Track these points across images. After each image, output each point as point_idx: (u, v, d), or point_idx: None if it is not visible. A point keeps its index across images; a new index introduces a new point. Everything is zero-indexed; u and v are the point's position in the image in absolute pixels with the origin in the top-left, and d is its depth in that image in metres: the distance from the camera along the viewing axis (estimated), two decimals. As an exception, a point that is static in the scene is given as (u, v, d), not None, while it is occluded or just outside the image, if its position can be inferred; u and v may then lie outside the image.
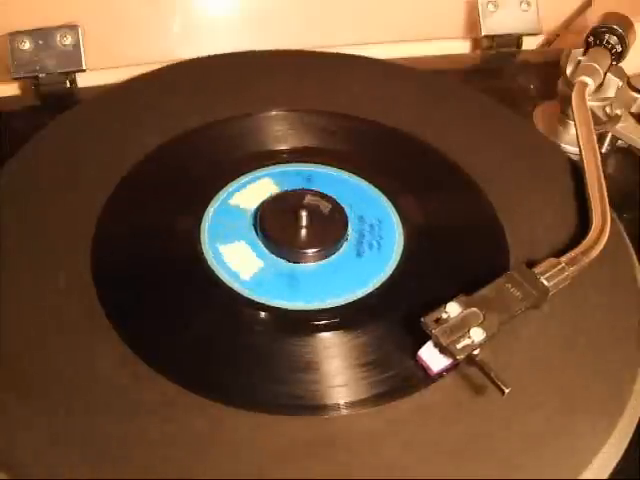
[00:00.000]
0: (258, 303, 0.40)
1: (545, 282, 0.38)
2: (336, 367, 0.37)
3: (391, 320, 0.39)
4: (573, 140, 0.50)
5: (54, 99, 0.55)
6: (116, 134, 0.49)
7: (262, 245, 0.43)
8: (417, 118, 0.52)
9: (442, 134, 0.50)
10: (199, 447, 0.33)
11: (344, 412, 0.35)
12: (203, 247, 0.42)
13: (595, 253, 0.40)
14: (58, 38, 0.55)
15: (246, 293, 0.40)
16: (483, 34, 0.64)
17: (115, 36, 0.60)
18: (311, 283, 0.41)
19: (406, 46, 0.63)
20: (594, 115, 0.50)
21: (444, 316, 0.35)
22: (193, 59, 0.56)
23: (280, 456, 0.34)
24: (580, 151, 0.46)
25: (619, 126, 0.52)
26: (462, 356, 0.34)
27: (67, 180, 0.45)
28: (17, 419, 0.34)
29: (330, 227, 0.43)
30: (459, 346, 0.34)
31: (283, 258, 0.42)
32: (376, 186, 0.47)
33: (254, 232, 0.43)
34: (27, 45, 0.54)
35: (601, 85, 0.52)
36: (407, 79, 0.56)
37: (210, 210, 0.44)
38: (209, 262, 0.41)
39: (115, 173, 0.46)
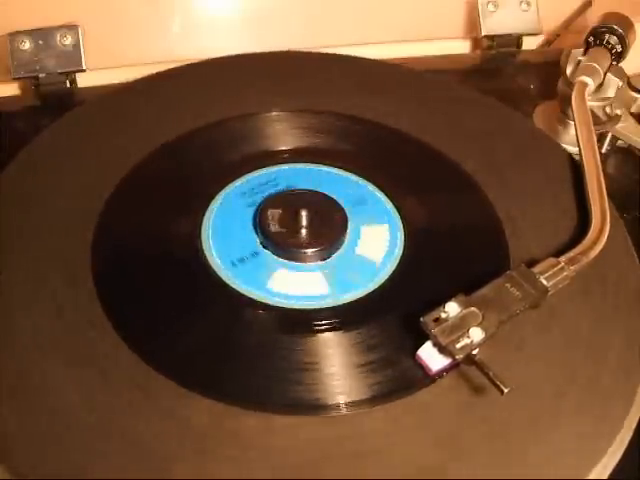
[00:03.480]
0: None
1: (544, 282, 0.38)
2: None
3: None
4: (573, 140, 0.50)
5: (54, 99, 0.55)
6: (116, 134, 0.49)
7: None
8: (417, 118, 0.52)
9: (442, 134, 0.50)
10: (197, 447, 0.33)
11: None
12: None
13: (594, 253, 0.40)
14: (58, 38, 0.55)
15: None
16: (483, 34, 0.64)
17: (115, 36, 0.60)
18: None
19: (406, 46, 0.63)
20: (594, 115, 0.50)
21: (443, 316, 0.35)
22: (194, 63, 0.56)
23: (280, 456, 0.34)
24: (580, 151, 0.46)
25: (619, 126, 0.52)
26: (461, 356, 0.34)
27: (67, 180, 0.45)
28: (17, 420, 0.34)
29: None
30: (458, 346, 0.34)
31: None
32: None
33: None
34: (27, 45, 0.55)
35: (601, 85, 0.52)
36: (407, 80, 0.56)
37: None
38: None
39: (115, 173, 0.46)
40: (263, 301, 0.40)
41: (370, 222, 0.45)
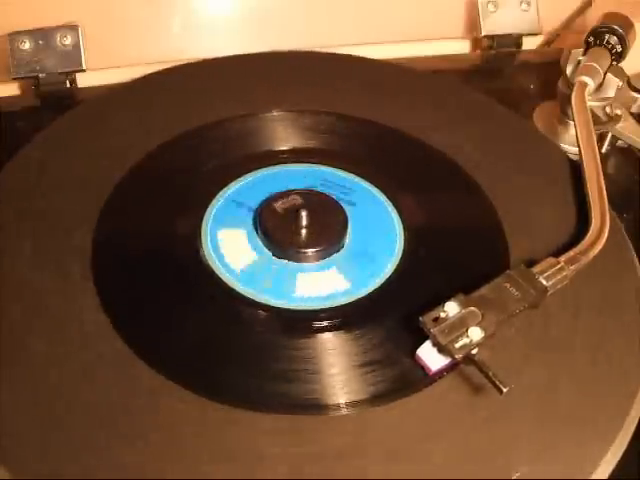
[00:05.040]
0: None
1: (544, 281, 0.38)
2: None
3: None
4: (573, 140, 0.50)
5: (54, 99, 0.55)
6: (116, 134, 0.49)
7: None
8: (417, 118, 0.52)
9: (442, 134, 0.50)
10: (198, 447, 0.33)
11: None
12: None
13: (594, 253, 0.40)
14: (58, 38, 0.55)
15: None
16: (483, 34, 0.64)
17: (115, 36, 0.60)
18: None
19: (406, 46, 0.63)
20: (594, 115, 0.50)
21: (443, 315, 0.35)
22: (193, 62, 0.56)
23: (280, 456, 0.34)
24: (580, 151, 0.46)
25: (619, 126, 0.52)
26: (460, 355, 0.34)
27: (67, 179, 0.45)
28: (17, 419, 0.34)
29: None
30: (457, 345, 0.34)
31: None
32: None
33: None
34: (27, 45, 0.55)
35: (601, 85, 0.52)
36: (407, 79, 0.56)
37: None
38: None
39: (115, 173, 0.46)
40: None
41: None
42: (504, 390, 0.33)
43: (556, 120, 0.55)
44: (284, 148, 0.50)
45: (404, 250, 0.43)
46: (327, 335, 0.39)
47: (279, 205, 0.43)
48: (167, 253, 0.42)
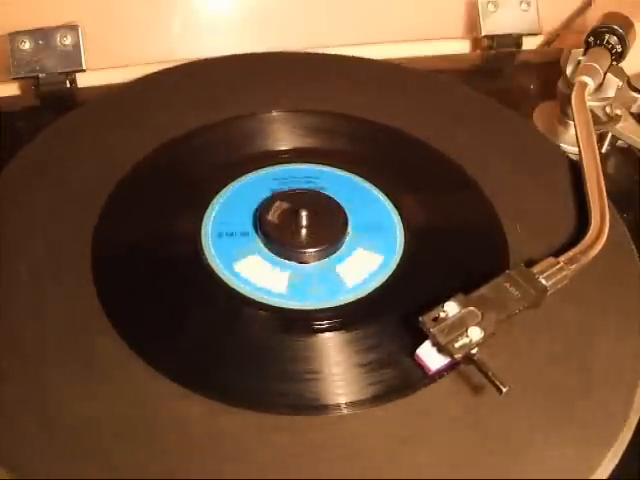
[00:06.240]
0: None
1: (543, 281, 0.38)
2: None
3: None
4: (573, 140, 0.50)
5: (54, 99, 0.55)
6: (116, 135, 0.49)
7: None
8: (417, 118, 0.52)
9: (442, 134, 0.50)
10: (198, 447, 0.33)
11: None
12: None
13: (594, 253, 0.40)
14: (58, 38, 0.55)
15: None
16: (483, 34, 0.64)
17: (115, 36, 0.60)
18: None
19: (406, 46, 0.63)
20: (594, 115, 0.50)
21: (442, 315, 0.35)
22: (194, 61, 0.56)
23: (280, 456, 0.34)
24: (580, 151, 0.46)
25: (619, 126, 0.52)
26: (460, 355, 0.34)
27: (67, 179, 0.45)
28: (18, 419, 0.34)
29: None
30: (457, 345, 0.34)
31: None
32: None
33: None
34: (27, 45, 0.55)
35: (601, 85, 0.52)
36: (407, 79, 0.56)
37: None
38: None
39: (116, 173, 0.46)
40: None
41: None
42: (504, 390, 0.33)
43: (556, 120, 0.55)
44: (284, 148, 0.50)
45: (404, 250, 0.43)
46: (327, 335, 0.39)
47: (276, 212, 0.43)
48: (167, 253, 0.42)
